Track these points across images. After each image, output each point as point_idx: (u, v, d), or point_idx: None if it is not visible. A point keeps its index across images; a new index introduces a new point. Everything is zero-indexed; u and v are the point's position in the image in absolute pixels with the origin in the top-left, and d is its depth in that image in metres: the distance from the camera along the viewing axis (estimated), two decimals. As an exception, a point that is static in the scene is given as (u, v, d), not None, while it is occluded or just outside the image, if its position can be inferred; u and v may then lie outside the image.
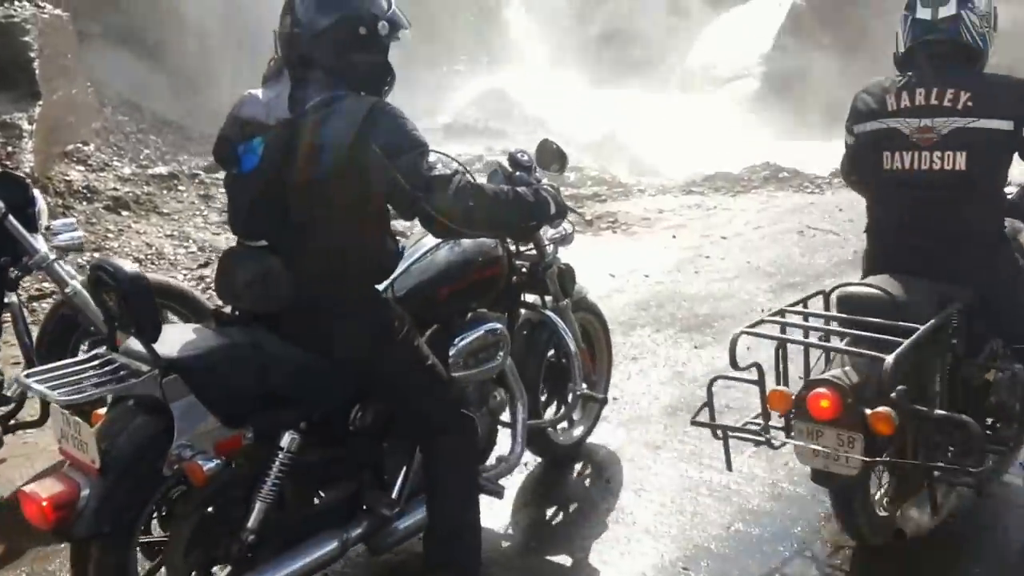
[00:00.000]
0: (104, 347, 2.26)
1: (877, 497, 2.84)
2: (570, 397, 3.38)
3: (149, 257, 6.36)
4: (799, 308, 2.90)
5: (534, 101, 18.49)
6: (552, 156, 3.20)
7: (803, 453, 2.57)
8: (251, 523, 2.26)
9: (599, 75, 21.33)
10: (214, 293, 5.49)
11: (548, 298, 3.28)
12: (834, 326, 2.73)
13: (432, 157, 2.33)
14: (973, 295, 2.77)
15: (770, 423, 2.76)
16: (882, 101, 2.90)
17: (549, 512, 3.32)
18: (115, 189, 7.48)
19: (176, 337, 2.23)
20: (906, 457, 2.54)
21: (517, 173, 3.00)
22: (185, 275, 6.01)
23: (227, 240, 6.82)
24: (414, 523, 2.65)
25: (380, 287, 2.54)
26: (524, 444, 3.07)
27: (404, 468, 2.63)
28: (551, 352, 3.36)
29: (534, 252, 3.20)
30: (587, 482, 3.54)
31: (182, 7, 15.95)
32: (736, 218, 8.28)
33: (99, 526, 2.06)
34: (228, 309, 2.52)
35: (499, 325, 2.89)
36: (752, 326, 2.79)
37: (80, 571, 2.13)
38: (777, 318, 2.82)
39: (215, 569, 2.35)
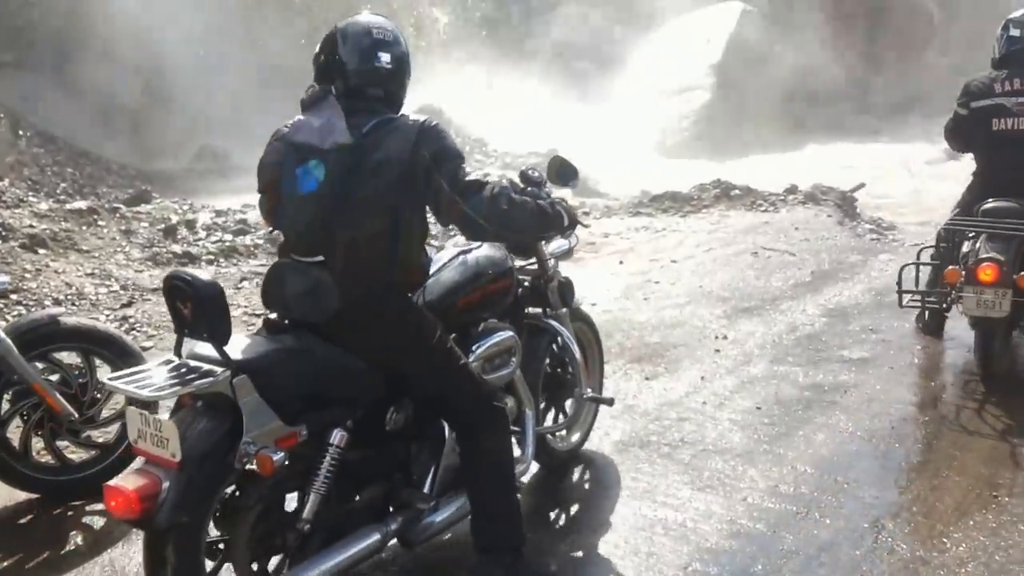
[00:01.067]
0: (173, 353, 2.60)
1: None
2: (572, 403, 3.78)
3: (69, 297, 6.25)
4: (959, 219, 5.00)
5: (473, 118, 18.60)
6: (563, 171, 3.58)
7: (971, 306, 4.56)
8: (306, 513, 2.60)
9: (542, 89, 21.57)
10: (139, 334, 5.54)
11: (548, 309, 3.64)
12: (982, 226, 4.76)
13: (468, 167, 2.77)
14: None
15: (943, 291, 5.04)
16: (991, 87, 4.95)
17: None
18: (31, 226, 7.35)
19: (239, 343, 2.57)
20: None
21: (529, 188, 3.33)
22: (108, 315, 5.94)
23: (150, 277, 6.77)
24: (446, 517, 3.03)
25: (412, 296, 2.91)
26: (534, 449, 3.41)
27: (433, 466, 3.02)
28: (548, 361, 3.69)
29: (534, 266, 3.60)
30: (551, 516, 3.58)
31: (96, 35, 15.81)
32: (686, 240, 8.45)
33: (179, 516, 2.36)
34: (274, 316, 2.86)
35: (511, 333, 3.29)
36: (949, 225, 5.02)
37: (157, 562, 2.41)
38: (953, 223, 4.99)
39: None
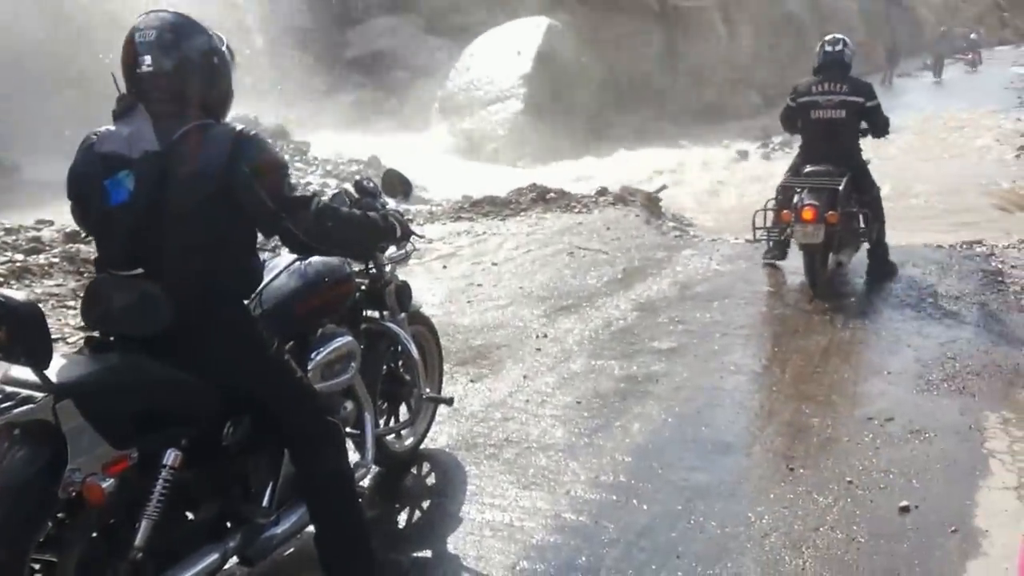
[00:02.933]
0: None
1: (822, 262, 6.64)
2: (413, 403, 3.77)
3: None
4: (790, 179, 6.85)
5: (293, 127, 18.10)
6: (396, 184, 3.60)
7: (799, 237, 6.41)
8: (138, 541, 2.38)
9: (363, 96, 21.28)
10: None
11: (386, 312, 3.61)
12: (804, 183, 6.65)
13: (293, 179, 2.63)
14: (848, 171, 6.67)
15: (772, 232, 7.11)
16: (809, 88, 6.88)
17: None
18: None
19: (60, 364, 2.34)
20: (841, 235, 6.62)
21: (364, 199, 3.33)
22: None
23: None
24: (287, 529, 2.89)
25: (247, 303, 2.77)
26: (375, 452, 3.37)
27: (272, 479, 2.86)
28: (386, 363, 3.68)
29: (372, 271, 3.56)
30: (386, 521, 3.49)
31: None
32: (507, 243, 8.53)
33: None
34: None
35: (350, 338, 3.21)
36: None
37: None
38: (786, 182, 6.86)
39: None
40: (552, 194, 10.75)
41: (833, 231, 6.37)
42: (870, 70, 25.25)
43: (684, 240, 9.09)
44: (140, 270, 2.54)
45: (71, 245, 7.71)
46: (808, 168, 6.71)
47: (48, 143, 15.30)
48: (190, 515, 2.68)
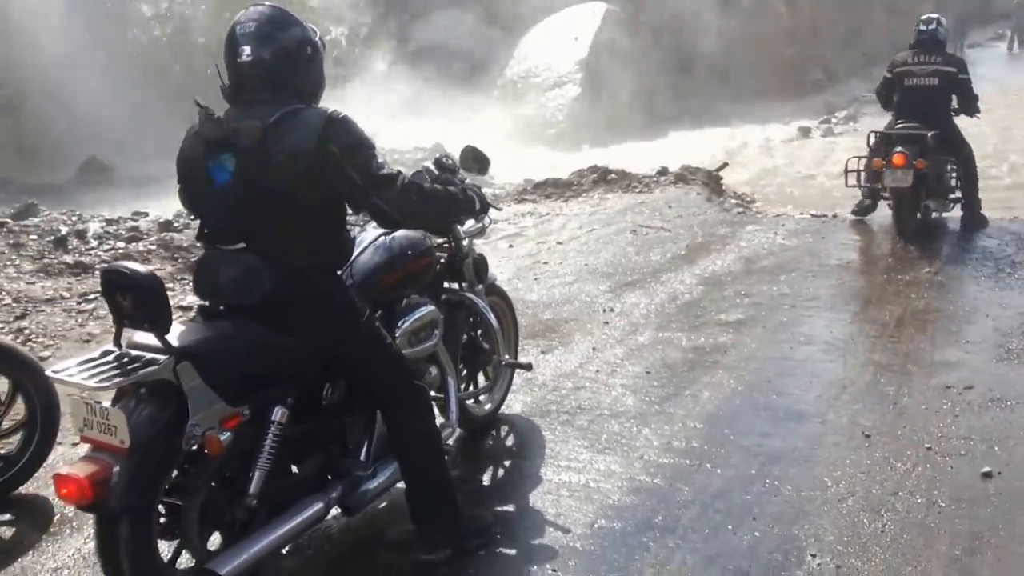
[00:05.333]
0: (112, 344, 2.52)
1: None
2: (492, 369, 3.89)
3: (-41, 315, 5.83)
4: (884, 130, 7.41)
5: (362, 120, 18.23)
6: (473, 159, 3.64)
7: (889, 180, 6.95)
8: (252, 489, 2.58)
9: (426, 90, 21.40)
10: (35, 344, 5.20)
11: (464, 284, 3.70)
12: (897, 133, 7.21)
13: (380, 158, 2.73)
14: (938, 132, 7.08)
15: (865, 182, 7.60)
16: (906, 59, 7.35)
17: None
18: (-85, 245, 6.84)
19: (179, 330, 2.54)
20: (929, 183, 7.13)
21: (444, 175, 3.38)
22: (2, 328, 5.55)
23: (43, 289, 6.37)
24: (383, 482, 3.03)
25: (340, 275, 2.90)
26: (458, 414, 3.46)
27: (368, 436, 3.03)
28: (466, 331, 3.76)
29: (451, 244, 3.63)
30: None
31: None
32: (570, 222, 8.49)
33: (130, 499, 2.34)
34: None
35: (433, 307, 3.34)
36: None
37: (111, 546, 2.38)
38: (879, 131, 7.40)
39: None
40: (613, 175, 10.66)
41: (922, 176, 6.92)
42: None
43: (747, 216, 8.93)
44: (242, 244, 2.68)
45: (166, 233, 8.00)
46: (900, 124, 7.27)
47: (139, 143, 15.84)
48: (295, 469, 2.84)
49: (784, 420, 3.99)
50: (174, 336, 2.48)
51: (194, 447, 2.47)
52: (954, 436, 3.74)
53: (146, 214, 9.54)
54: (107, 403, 2.42)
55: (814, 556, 2.91)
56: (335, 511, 2.96)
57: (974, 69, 8.62)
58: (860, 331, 5.14)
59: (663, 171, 10.82)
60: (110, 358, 2.47)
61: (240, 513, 2.62)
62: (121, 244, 7.67)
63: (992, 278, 6.04)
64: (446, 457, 3.05)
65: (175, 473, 2.53)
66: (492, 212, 3.65)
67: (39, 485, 3.60)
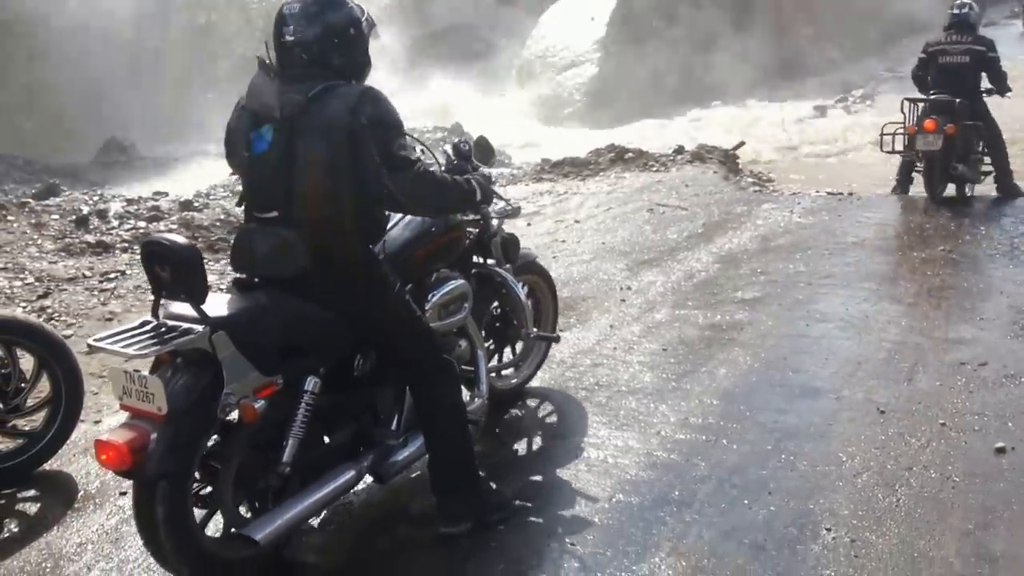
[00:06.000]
0: (151, 315, 2.60)
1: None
2: (520, 343, 3.98)
3: (-19, 294, 5.91)
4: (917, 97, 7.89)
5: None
6: (484, 150, 3.68)
7: (921, 144, 7.44)
8: (286, 457, 2.67)
9: (444, 69, 21.35)
10: (58, 323, 5.27)
11: (491, 261, 3.75)
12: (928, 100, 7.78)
13: (406, 140, 2.79)
14: (968, 104, 7.63)
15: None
16: (940, 39, 7.85)
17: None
18: (-62, 225, 6.93)
19: (215, 301, 2.59)
20: (959, 148, 7.58)
21: (459, 162, 3.48)
22: (25, 307, 5.63)
23: (64, 268, 6.44)
24: (414, 451, 3.10)
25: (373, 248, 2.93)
26: (487, 387, 3.52)
27: (398, 406, 3.11)
28: (495, 305, 3.86)
29: (481, 222, 3.69)
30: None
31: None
32: (587, 201, 8.48)
33: (168, 465, 2.42)
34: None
35: (463, 281, 3.40)
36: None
37: (148, 511, 2.45)
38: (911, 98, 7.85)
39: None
40: (630, 154, 10.63)
41: (951, 141, 7.40)
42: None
43: (763, 195, 8.89)
44: (275, 213, 2.75)
45: (186, 213, 8.05)
46: (932, 93, 7.76)
47: (158, 124, 15.94)
48: (327, 439, 2.93)
49: (800, 396, 4.00)
50: (210, 307, 2.52)
51: (229, 415, 2.55)
52: (968, 412, 3.74)
53: (166, 194, 9.61)
54: (145, 372, 2.50)
55: (829, 530, 2.92)
56: (366, 479, 3.04)
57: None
58: (875, 308, 5.12)
59: (680, 150, 10.78)
60: (148, 328, 2.54)
61: (274, 480, 2.70)
62: (142, 224, 7.74)
63: (1007, 256, 6.01)
64: (472, 429, 3.12)
65: (211, 440, 2.60)
66: (515, 200, 3.69)
67: (63, 462, 3.66)
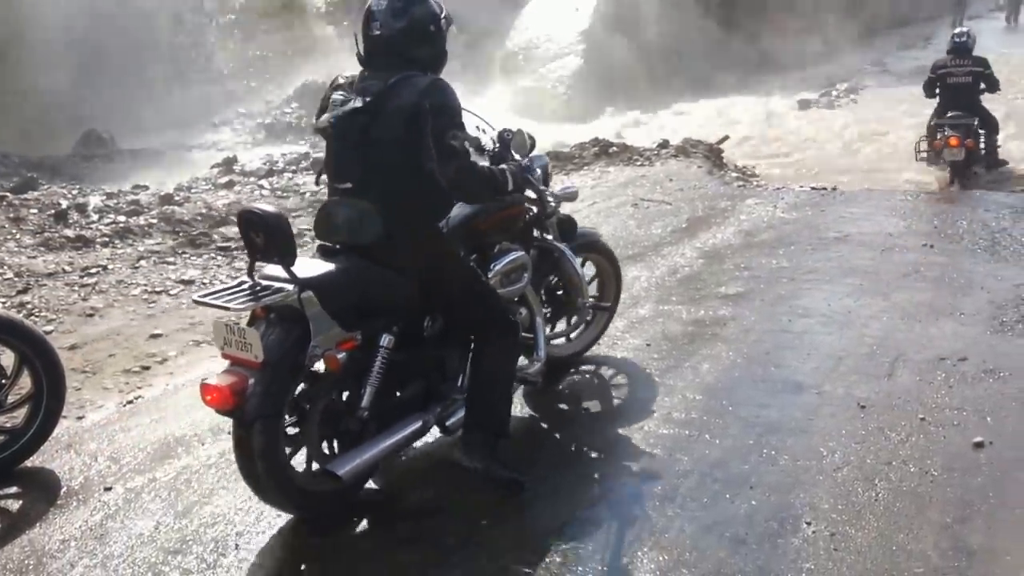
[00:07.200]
0: (247, 276, 2.91)
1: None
2: (576, 313, 4.29)
3: (-43, 289, 5.88)
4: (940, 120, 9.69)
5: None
6: (522, 142, 3.82)
7: (947, 156, 9.31)
8: (364, 403, 3.04)
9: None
10: (38, 319, 5.26)
11: (550, 237, 4.05)
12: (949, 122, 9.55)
13: (459, 132, 3.11)
14: (978, 118, 9.61)
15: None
16: (945, 62, 9.85)
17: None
18: (-87, 221, 6.87)
19: (303, 265, 2.94)
20: (975, 156, 9.64)
21: (501, 151, 3.71)
22: (4, 303, 5.61)
23: (44, 263, 6.43)
24: None
25: (441, 223, 3.27)
26: (545, 351, 3.82)
27: (463, 367, 3.41)
28: (553, 277, 4.15)
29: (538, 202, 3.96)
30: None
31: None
32: (571, 196, 8.49)
33: (264, 407, 2.77)
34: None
35: (523, 253, 3.73)
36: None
37: (246, 448, 2.83)
38: (938, 122, 9.70)
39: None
40: (614, 148, 10.68)
41: (971, 153, 9.39)
42: (942, 11, 24.39)
43: (747, 190, 8.96)
44: (349, 184, 3.13)
45: (167, 207, 8.01)
46: (950, 114, 9.62)
47: (138, 117, 15.81)
48: (400, 392, 3.25)
49: (781, 391, 4.06)
50: (299, 269, 2.86)
51: (315, 365, 2.89)
52: (947, 407, 3.81)
53: (146, 187, 9.57)
54: (244, 325, 2.85)
55: (809, 524, 2.98)
56: (434, 430, 3.36)
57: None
58: (857, 304, 5.20)
59: (664, 144, 10.83)
60: (245, 287, 2.86)
61: (353, 424, 3.06)
62: (122, 218, 7.70)
63: (988, 251, 6.10)
64: (529, 388, 3.72)
65: (300, 387, 2.94)
66: (573, 187, 4.26)
67: (45, 458, 3.67)
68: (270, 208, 2.91)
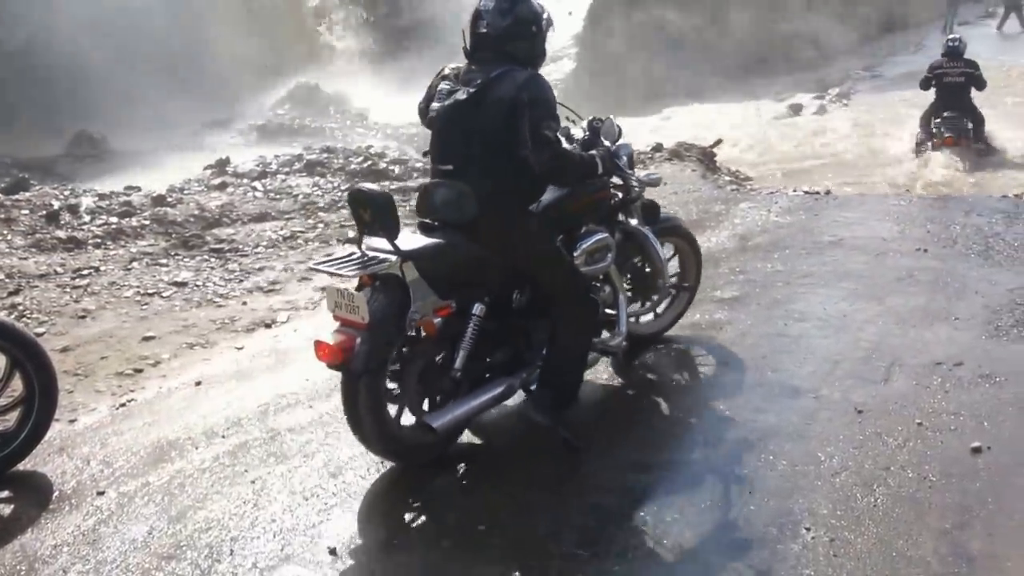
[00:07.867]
0: (356, 247, 3.31)
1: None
2: (657, 293, 4.52)
3: (-51, 291, 5.83)
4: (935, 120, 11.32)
5: (354, 94, 18.20)
6: (610, 129, 4.06)
7: (945, 151, 10.88)
8: (457, 364, 3.35)
9: (419, 64, 21.27)
10: (30, 320, 5.21)
11: (634, 221, 4.29)
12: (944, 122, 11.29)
13: (554, 123, 3.40)
14: (969, 115, 11.32)
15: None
16: (941, 63, 11.50)
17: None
18: (-93, 223, 6.80)
19: (405, 238, 3.27)
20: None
21: (591, 137, 4.02)
22: (-8, 306, 5.56)
23: (35, 264, 6.38)
24: None
25: (532, 206, 3.57)
26: (627, 327, 4.05)
27: (548, 336, 3.64)
28: (637, 259, 4.38)
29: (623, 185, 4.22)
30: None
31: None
32: (565, 199, 8.47)
33: (369, 363, 3.11)
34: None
35: (607, 234, 3.95)
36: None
37: (353, 400, 3.15)
38: (932, 120, 11.41)
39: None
40: (609, 151, 10.63)
41: (963, 151, 10.56)
42: (932, 17, 24.45)
43: (741, 193, 8.95)
44: (451, 166, 3.45)
45: (159, 208, 7.95)
46: (945, 114, 10.96)
47: (130, 117, 15.74)
48: (490, 358, 3.56)
49: (778, 396, 4.04)
50: (402, 242, 3.20)
51: (414, 329, 3.22)
52: (944, 412, 3.80)
53: (139, 188, 9.49)
54: (352, 289, 3.17)
55: (808, 529, 2.97)
56: (519, 394, 3.64)
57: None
58: (853, 308, 5.19)
59: (658, 147, 10.82)
60: (354, 257, 3.25)
61: (447, 384, 3.37)
62: (114, 219, 7.65)
63: (982, 255, 6.10)
64: (611, 360, 4.14)
65: (401, 349, 3.25)
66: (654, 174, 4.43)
67: (37, 461, 3.63)
68: (376, 188, 3.32)
